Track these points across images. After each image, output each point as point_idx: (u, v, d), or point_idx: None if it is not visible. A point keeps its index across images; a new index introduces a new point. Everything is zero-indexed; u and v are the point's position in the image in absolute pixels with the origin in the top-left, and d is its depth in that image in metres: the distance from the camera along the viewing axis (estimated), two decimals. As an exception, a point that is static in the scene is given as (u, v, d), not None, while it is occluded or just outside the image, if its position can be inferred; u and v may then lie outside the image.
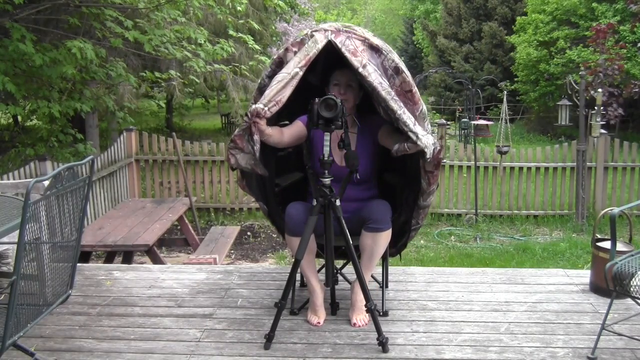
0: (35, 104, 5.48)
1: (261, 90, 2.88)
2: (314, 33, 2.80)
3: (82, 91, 6.04)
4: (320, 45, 2.75)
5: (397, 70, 2.77)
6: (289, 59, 2.81)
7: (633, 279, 2.61)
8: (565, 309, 3.27)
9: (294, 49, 2.82)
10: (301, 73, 2.75)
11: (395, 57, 2.81)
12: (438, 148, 2.71)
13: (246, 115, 2.76)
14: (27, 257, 2.25)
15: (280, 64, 2.87)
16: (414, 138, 2.64)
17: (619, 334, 2.87)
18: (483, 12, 20.11)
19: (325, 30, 2.79)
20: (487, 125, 9.81)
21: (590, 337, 2.91)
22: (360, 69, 2.69)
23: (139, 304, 3.36)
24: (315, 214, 2.81)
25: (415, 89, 2.81)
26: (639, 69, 12.54)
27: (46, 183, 2.36)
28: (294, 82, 2.74)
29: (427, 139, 2.65)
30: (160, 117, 17.65)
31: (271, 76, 2.86)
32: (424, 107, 2.90)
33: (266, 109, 2.71)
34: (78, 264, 3.02)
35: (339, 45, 2.73)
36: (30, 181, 2.24)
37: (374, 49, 2.79)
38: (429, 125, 2.96)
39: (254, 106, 2.72)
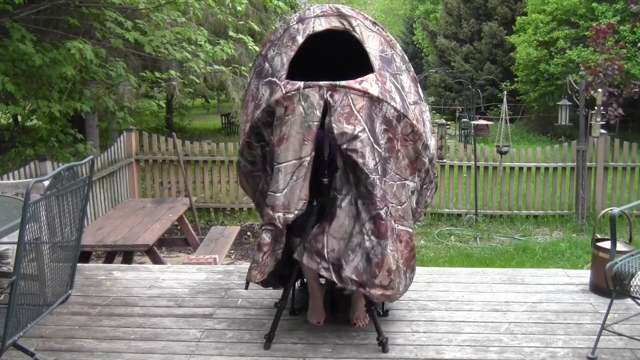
0: (35, 104, 5.48)
1: (259, 73, 2.84)
2: (306, 88, 2.66)
3: (82, 91, 6.04)
4: (317, 113, 2.64)
5: (399, 118, 2.71)
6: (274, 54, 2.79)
7: (633, 279, 2.61)
8: (565, 309, 3.27)
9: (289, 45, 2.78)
10: (309, 159, 2.67)
11: (395, 99, 2.70)
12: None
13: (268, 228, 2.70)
14: (27, 257, 2.25)
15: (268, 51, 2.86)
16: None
17: (619, 334, 2.87)
18: (483, 12, 20.10)
19: (320, 88, 2.64)
20: (487, 125, 9.80)
21: (590, 337, 2.91)
22: (344, 144, 2.60)
23: (139, 304, 3.36)
24: (314, 214, 2.81)
25: (417, 126, 2.76)
26: (639, 69, 12.53)
27: (46, 183, 2.36)
28: (305, 171, 2.66)
29: None
30: (160, 117, 17.64)
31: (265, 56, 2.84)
32: (427, 132, 2.87)
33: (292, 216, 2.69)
34: (78, 264, 3.02)
35: (333, 106, 2.62)
36: (30, 181, 2.24)
37: (375, 100, 2.66)
38: (432, 149, 2.94)
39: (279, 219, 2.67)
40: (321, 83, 2.65)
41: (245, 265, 6.03)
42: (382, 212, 2.65)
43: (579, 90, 7.93)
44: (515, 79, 17.35)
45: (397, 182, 2.75)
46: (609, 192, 8.01)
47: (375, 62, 2.74)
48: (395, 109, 2.68)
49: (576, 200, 7.73)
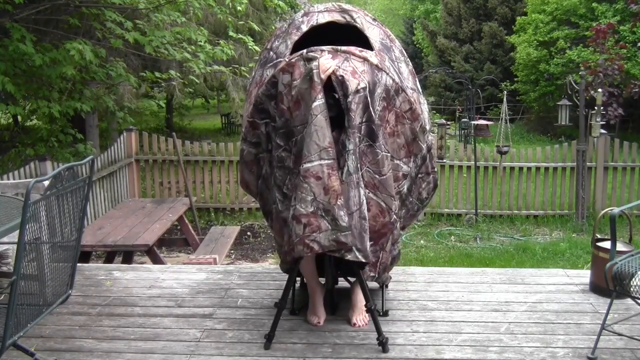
0: (35, 104, 5.49)
1: (264, 64, 2.92)
2: (308, 55, 2.72)
3: (82, 91, 6.05)
4: (317, 80, 2.65)
5: (398, 91, 2.77)
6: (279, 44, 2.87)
7: (633, 279, 2.61)
8: (565, 309, 3.27)
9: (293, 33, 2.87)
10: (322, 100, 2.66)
11: (394, 74, 2.79)
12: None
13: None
14: (27, 257, 2.25)
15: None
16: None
17: (619, 334, 2.87)
18: (483, 12, 20.11)
19: (322, 52, 2.72)
20: (487, 125, 9.81)
21: (590, 337, 2.91)
22: (349, 96, 2.65)
23: (139, 304, 3.36)
24: None
25: (415, 105, 2.82)
26: (639, 69, 12.54)
27: (46, 183, 2.36)
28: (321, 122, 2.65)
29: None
30: (160, 117, 17.64)
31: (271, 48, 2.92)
32: (426, 118, 2.91)
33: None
34: (78, 264, 3.02)
35: (336, 67, 2.69)
36: (30, 181, 2.24)
37: (375, 67, 2.75)
38: (430, 137, 2.97)
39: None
40: (323, 47, 2.74)
41: (245, 265, 6.04)
42: (387, 176, 2.75)
43: (579, 90, 7.93)
44: (515, 79, 17.35)
45: (384, 153, 2.77)
46: (609, 192, 8.01)
47: (376, 45, 2.84)
48: (394, 80, 2.76)
49: (576, 200, 7.74)
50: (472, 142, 8.59)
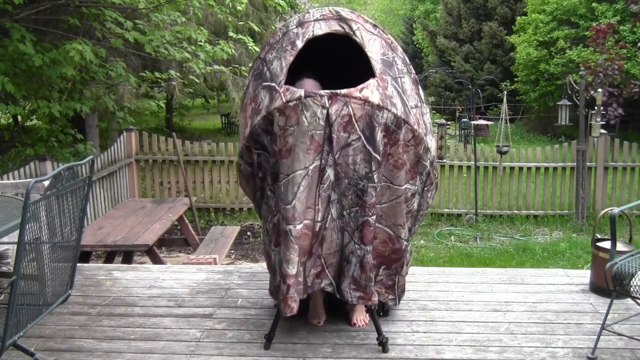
0: (35, 104, 5.48)
1: (257, 76, 2.81)
2: (306, 97, 2.61)
3: (82, 91, 6.04)
4: (321, 122, 2.60)
5: (400, 125, 2.67)
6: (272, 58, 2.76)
7: (633, 279, 2.61)
8: (565, 309, 3.27)
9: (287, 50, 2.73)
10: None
11: (396, 104, 2.66)
12: None
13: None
14: (27, 257, 2.25)
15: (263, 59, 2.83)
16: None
17: (619, 334, 2.87)
18: (483, 12, 20.11)
19: (321, 97, 2.58)
20: (487, 125, 9.82)
21: (590, 337, 2.91)
22: (337, 152, 2.61)
23: (139, 304, 3.36)
24: None
25: (418, 130, 2.73)
26: (639, 69, 12.53)
27: (46, 183, 2.36)
28: (310, 180, 2.63)
29: None
30: (160, 117, 17.65)
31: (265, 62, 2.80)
32: (429, 135, 2.86)
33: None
34: (78, 264, 3.02)
35: (333, 116, 2.58)
36: (30, 181, 2.24)
37: (375, 108, 2.61)
38: (433, 143, 2.93)
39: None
40: (321, 92, 2.61)
41: (245, 265, 6.04)
42: (371, 219, 2.68)
43: (579, 90, 7.93)
44: (515, 79, 17.35)
45: (382, 184, 2.75)
46: (609, 192, 8.01)
47: (377, 66, 2.70)
48: (395, 115, 2.65)
49: (576, 200, 7.74)
50: (472, 142, 8.59)
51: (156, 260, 5.25)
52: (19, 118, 8.74)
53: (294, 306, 2.69)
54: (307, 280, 2.77)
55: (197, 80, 7.06)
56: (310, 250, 2.74)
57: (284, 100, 2.62)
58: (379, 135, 2.63)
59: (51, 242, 2.41)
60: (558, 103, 8.77)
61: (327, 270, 2.79)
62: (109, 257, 5.50)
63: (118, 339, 2.93)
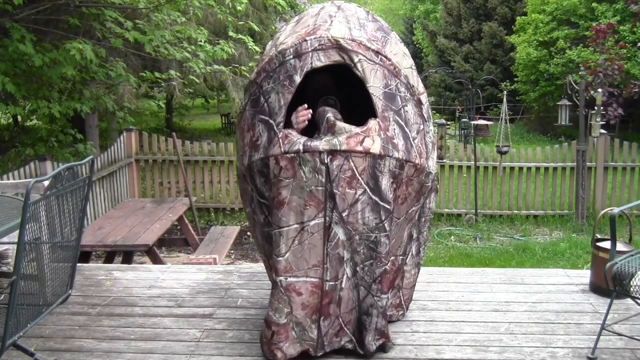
0: (35, 104, 5.48)
1: (254, 103, 2.74)
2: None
3: (82, 91, 6.04)
4: (320, 178, 2.54)
5: (403, 166, 2.62)
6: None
7: (633, 279, 2.61)
8: (565, 309, 3.27)
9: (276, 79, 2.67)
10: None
11: (398, 144, 2.60)
12: None
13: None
14: (27, 257, 2.25)
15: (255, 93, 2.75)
16: None
17: (619, 334, 2.87)
18: (483, 12, 20.11)
19: (320, 153, 2.52)
20: (487, 125, 9.82)
21: (590, 337, 2.91)
22: (346, 210, 2.55)
23: (139, 304, 3.36)
24: None
25: (420, 162, 2.69)
26: (639, 69, 12.53)
27: (46, 183, 2.36)
28: (308, 236, 2.59)
29: None
30: (160, 117, 17.65)
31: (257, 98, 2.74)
32: (431, 160, 2.84)
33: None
34: (78, 264, 3.02)
35: (334, 172, 2.52)
36: (30, 181, 2.24)
37: (377, 157, 2.55)
38: (434, 164, 2.90)
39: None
40: (320, 147, 2.52)
41: (245, 265, 6.04)
42: (388, 267, 2.67)
43: (579, 90, 7.93)
44: (515, 79, 17.34)
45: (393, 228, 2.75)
46: (609, 192, 8.01)
47: (379, 104, 2.62)
48: (397, 159, 2.59)
49: (576, 200, 7.73)
50: (472, 142, 8.59)
51: (156, 260, 5.25)
52: (19, 118, 8.74)
53: (278, 355, 2.64)
54: (323, 340, 2.69)
55: (197, 80, 7.05)
56: (328, 311, 2.66)
57: (282, 150, 2.56)
58: (384, 184, 2.58)
59: (51, 242, 2.41)
60: (558, 103, 8.77)
61: (345, 328, 2.72)
62: (109, 257, 5.50)
63: (118, 339, 2.93)
